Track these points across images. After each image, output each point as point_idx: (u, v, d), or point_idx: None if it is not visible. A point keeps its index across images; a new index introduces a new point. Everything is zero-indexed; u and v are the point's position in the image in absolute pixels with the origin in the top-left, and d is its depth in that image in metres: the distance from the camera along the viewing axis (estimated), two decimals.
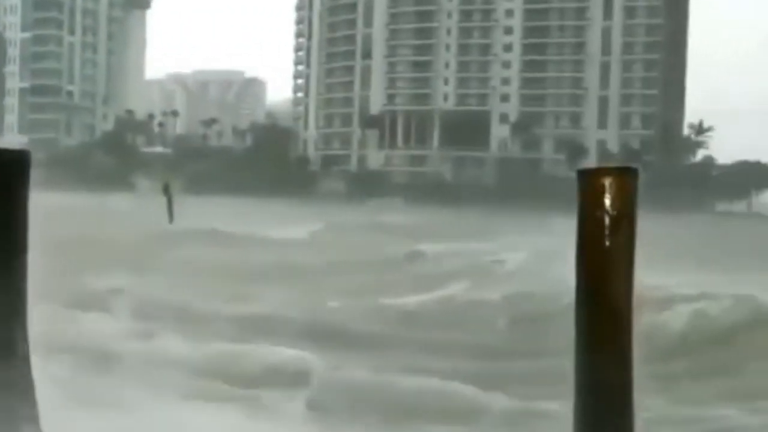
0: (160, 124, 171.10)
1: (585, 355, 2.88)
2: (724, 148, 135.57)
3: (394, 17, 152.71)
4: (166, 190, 49.10)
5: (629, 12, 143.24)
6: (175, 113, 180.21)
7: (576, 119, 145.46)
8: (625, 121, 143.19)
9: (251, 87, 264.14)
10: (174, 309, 17.58)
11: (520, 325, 18.04)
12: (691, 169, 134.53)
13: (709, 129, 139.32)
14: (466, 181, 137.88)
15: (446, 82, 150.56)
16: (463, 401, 11.94)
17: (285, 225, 46.96)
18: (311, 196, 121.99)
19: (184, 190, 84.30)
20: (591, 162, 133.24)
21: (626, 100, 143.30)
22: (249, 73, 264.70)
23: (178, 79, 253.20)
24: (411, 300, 21.48)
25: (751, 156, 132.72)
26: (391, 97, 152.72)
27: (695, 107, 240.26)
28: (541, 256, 24.08)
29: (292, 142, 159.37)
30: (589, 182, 2.90)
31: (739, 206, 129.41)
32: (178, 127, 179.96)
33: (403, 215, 70.15)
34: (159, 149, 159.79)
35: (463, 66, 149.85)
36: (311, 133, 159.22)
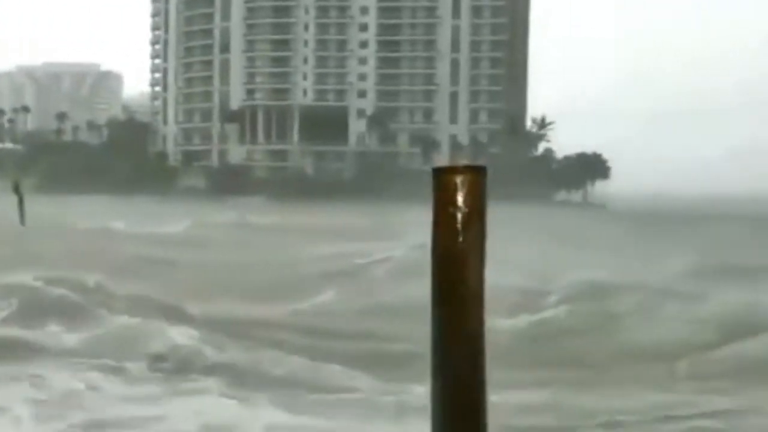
0: (10, 120, 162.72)
1: (440, 342, 2.98)
2: (564, 141, 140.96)
3: (251, 11, 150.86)
4: (17, 189, 46.03)
5: (476, 11, 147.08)
6: (26, 108, 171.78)
7: (429, 114, 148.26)
8: (474, 116, 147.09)
9: (107, 80, 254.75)
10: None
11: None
12: (533, 161, 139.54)
13: (550, 123, 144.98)
14: (326, 175, 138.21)
15: (305, 77, 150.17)
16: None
17: (143, 223, 45.67)
18: (172, 193, 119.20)
19: (36, 188, 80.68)
20: (444, 155, 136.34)
21: (475, 95, 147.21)
22: (104, 66, 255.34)
23: (28, 72, 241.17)
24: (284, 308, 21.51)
25: (587, 148, 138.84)
26: (250, 92, 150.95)
27: (538, 103, 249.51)
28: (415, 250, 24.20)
29: (151, 137, 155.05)
30: (442, 180, 2.99)
31: (576, 196, 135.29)
32: (30, 122, 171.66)
33: (269, 212, 69.58)
34: (9, 146, 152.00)
35: (321, 61, 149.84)
36: (170, 128, 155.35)
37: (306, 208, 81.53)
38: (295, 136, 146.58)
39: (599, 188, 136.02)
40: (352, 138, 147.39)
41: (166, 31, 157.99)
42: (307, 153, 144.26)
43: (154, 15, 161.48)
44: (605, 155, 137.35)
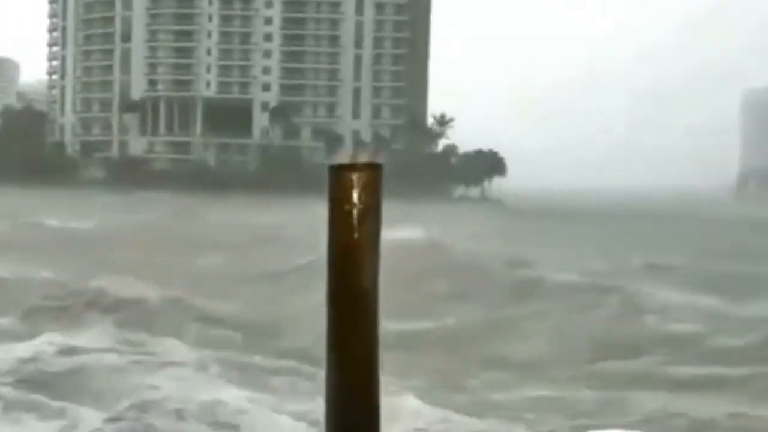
0: None
1: (336, 335, 2.98)
2: (463, 137, 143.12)
3: (154, 1, 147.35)
4: None
5: (379, 8, 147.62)
6: None
7: (332, 109, 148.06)
8: (376, 112, 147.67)
9: (3, 67, 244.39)
10: None
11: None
12: (434, 157, 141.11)
13: (450, 120, 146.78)
14: (229, 167, 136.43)
15: (208, 69, 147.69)
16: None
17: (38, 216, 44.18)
18: (71, 184, 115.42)
19: None
20: (347, 149, 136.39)
21: (377, 91, 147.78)
22: (0, 53, 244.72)
23: None
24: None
25: (485, 145, 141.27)
26: (152, 83, 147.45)
27: (439, 100, 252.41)
28: None
29: (48, 126, 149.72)
30: (339, 177, 2.99)
31: (474, 192, 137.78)
32: None
33: (173, 206, 68.24)
34: None
35: (224, 54, 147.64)
36: (68, 117, 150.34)
37: (206, 200, 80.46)
38: (198, 129, 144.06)
39: (495, 184, 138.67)
40: (256, 131, 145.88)
41: (64, 18, 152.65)
42: (210, 145, 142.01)
43: (52, 1, 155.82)
44: (501, 152, 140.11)
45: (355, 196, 3.02)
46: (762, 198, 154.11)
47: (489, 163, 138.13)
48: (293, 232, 38.39)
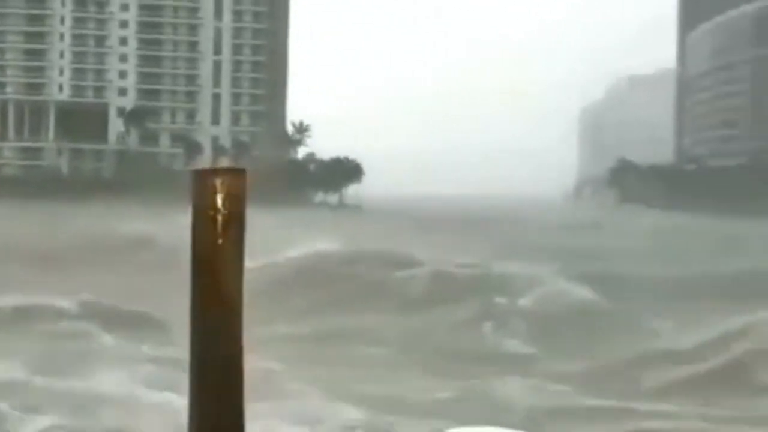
0: None
1: (199, 337, 2.89)
2: (322, 145, 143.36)
3: (2, 0, 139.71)
4: None
5: (237, 15, 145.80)
6: None
7: (191, 115, 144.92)
8: (236, 118, 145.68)
9: None
10: None
11: None
12: (293, 164, 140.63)
13: (308, 128, 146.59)
14: (84, 174, 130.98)
15: (61, 72, 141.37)
16: None
17: None
18: None
19: None
20: (207, 156, 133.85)
21: (237, 98, 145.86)
22: None
23: None
24: None
25: (342, 153, 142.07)
26: (1, 85, 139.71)
27: (298, 107, 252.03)
28: None
29: None
30: (201, 182, 2.89)
31: (333, 198, 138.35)
32: None
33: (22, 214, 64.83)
34: None
35: (78, 57, 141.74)
36: None
37: (59, 208, 76.98)
38: (51, 133, 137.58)
39: (353, 190, 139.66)
40: (112, 136, 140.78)
41: None
42: (64, 151, 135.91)
43: None
44: (359, 159, 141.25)
45: (219, 201, 2.93)
46: (595, 203, 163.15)
47: (346, 170, 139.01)
48: (158, 238, 37.33)
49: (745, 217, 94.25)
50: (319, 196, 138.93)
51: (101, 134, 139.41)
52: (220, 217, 2.78)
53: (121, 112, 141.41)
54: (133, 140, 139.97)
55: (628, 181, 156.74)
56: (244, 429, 2.66)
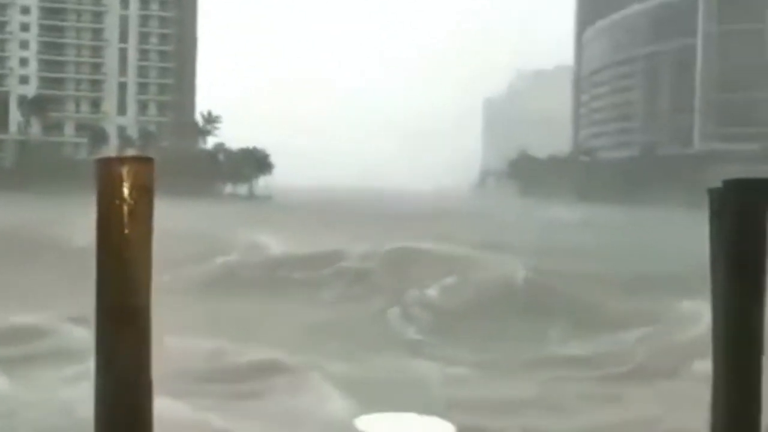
0: None
1: (105, 333, 2.78)
2: (232, 135, 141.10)
3: None
4: None
5: (144, 3, 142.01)
6: None
7: (97, 104, 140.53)
8: (143, 108, 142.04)
9: None
10: None
11: None
12: (202, 155, 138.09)
13: (217, 118, 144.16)
14: None
15: None
16: None
17: None
18: None
19: None
20: (113, 146, 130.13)
21: (143, 87, 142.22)
22: None
23: None
24: None
25: (253, 144, 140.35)
26: None
27: (207, 96, 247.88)
28: None
29: None
30: (106, 171, 2.78)
31: (242, 189, 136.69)
32: None
33: None
34: None
35: None
36: None
37: None
38: None
39: (263, 182, 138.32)
40: (13, 126, 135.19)
41: None
42: None
43: None
44: (269, 151, 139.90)
45: (125, 191, 2.82)
46: (498, 192, 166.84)
47: (257, 161, 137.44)
48: (55, 232, 36.03)
49: (636, 207, 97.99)
50: (229, 188, 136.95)
51: (2, 123, 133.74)
52: (126, 208, 2.69)
53: (23, 100, 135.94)
54: (35, 130, 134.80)
55: (527, 172, 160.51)
56: (151, 413, 2.59)
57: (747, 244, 4.02)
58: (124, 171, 2.73)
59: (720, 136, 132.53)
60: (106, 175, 2.75)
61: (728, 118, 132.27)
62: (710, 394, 4.37)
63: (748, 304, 4.11)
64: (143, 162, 2.79)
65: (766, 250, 4.05)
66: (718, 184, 4.27)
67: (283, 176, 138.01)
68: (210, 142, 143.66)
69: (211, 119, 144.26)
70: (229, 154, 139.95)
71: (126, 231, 2.72)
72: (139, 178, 2.77)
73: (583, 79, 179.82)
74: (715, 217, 4.13)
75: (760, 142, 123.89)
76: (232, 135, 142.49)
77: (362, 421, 2.80)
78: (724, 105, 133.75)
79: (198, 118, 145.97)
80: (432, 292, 26.30)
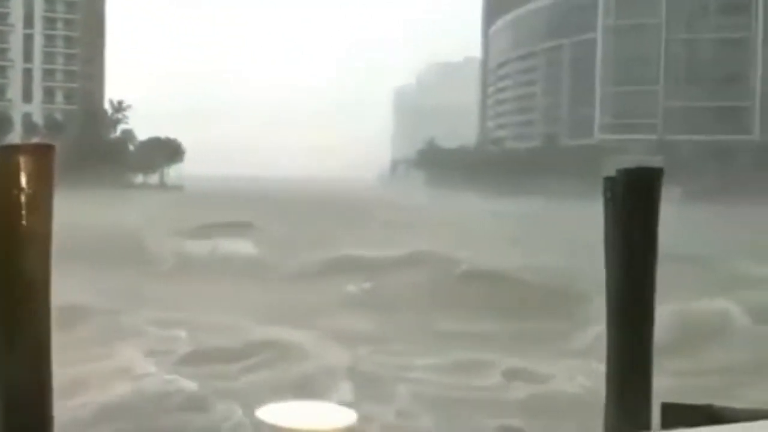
0: None
1: (4, 326, 2.66)
2: (142, 125, 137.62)
3: None
4: None
5: None
6: None
7: (2, 91, 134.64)
8: (49, 95, 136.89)
9: None
10: None
11: None
12: (111, 144, 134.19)
13: (127, 107, 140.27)
14: None
15: None
16: None
17: None
18: None
19: None
20: (17, 134, 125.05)
21: (50, 74, 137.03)
22: None
23: None
24: None
25: (164, 133, 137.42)
26: None
27: (117, 84, 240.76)
28: None
29: None
30: (4, 160, 2.64)
31: (153, 179, 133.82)
32: None
33: None
34: None
35: None
36: None
37: None
38: None
39: (173, 171, 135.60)
40: None
41: None
42: None
43: None
44: (180, 140, 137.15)
45: (23, 180, 2.68)
46: (407, 180, 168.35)
47: (167, 150, 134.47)
48: None
49: (536, 197, 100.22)
50: (140, 177, 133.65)
51: None
52: (24, 197, 2.56)
53: None
54: None
55: (434, 162, 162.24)
56: (51, 395, 2.50)
57: (637, 227, 4.21)
58: (22, 159, 2.60)
59: (618, 128, 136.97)
60: (3, 164, 2.61)
61: (625, 110, 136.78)
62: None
63: (640, 279, 4.33)
64: (43, 150, 2.66)
65: (655, 231, 4.25)
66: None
67: (193, 165, 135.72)
68: (119, 130, 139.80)
69: (120, 108, 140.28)
70: (139, 143, 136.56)
71: (24, 222, 2.59)
72: (38, 167, 2.65)
73: (490, 72, 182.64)
74: (609, 203, 4.31)
75: (655, 133, 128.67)
76: (142, 124, 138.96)
77: (263, 411, 2.75)
78: (620, 97, 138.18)
79: (107, 106, 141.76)
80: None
